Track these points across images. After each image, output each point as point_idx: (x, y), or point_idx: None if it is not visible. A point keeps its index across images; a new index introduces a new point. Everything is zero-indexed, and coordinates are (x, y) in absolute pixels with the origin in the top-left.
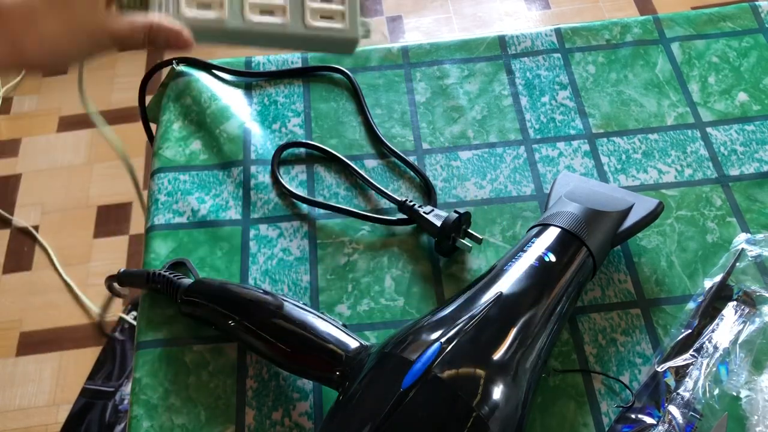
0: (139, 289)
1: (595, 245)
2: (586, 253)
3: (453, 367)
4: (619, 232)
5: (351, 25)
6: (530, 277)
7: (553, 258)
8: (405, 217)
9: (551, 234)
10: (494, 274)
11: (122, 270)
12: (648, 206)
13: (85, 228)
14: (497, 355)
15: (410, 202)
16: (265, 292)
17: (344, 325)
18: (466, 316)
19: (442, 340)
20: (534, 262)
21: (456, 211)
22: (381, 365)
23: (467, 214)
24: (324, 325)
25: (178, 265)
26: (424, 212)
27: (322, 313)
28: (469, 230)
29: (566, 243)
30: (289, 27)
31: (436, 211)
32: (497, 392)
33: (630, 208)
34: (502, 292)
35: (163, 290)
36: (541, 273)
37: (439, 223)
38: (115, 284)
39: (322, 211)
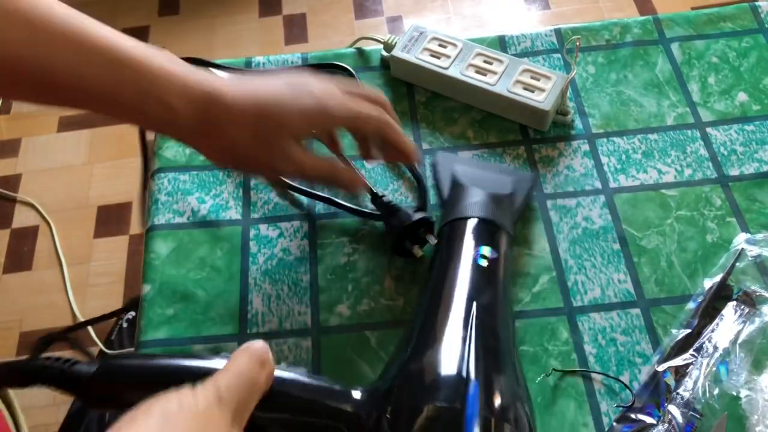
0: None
1: (509, 226)
2: (507, 236)
3: (491, 401)
4: (516, 209)
5: (546, 102)
6: (485, 278)
7: (493, 252)
8: (377, 212)
9: (473, 227)
10: (448, 283)
11: None
12: (528, 180)
13: (85, 228)
14: (504, 361)
15: (384, 197)
16: (214, 367)
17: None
18: (466, 338)
19: (472, 378)
20: (478, 261)
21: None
22: (429, 420)
23: (426, 221)
24: (313, 384)
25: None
26: (390, 207)
27: (296, 368)
28: (429, 236)
29: (490, 232)
30: (493, 88)
31: (415, 214)
32: (520, 409)
33: (516, 185)
34: (476, 302)
35: (55, 386)
36: (490, 270)
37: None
38: None
39: (322, 210)
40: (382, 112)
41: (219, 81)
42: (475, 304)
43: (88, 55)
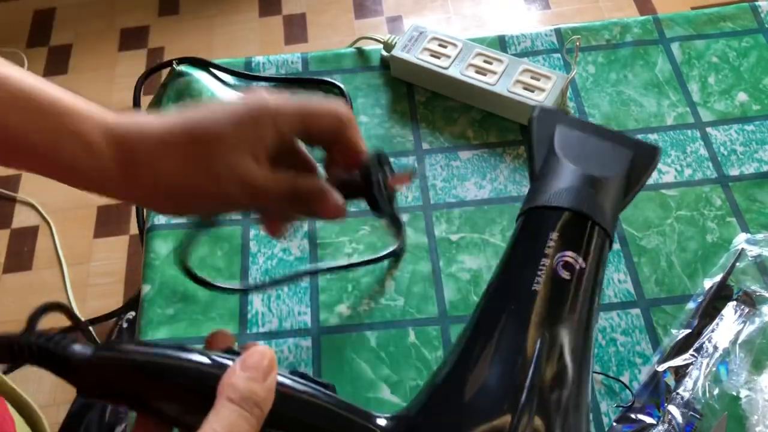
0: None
1: (609, 222)
2: (604, 236)
3: None
4: (626, 199)
5: (546, 101)
6: (565, 297)
7: (578, 259)
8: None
9: (563, 222)
10: (515, 291)
11: None
12: (647, 154)
13: (85, 228)
14: (571, 407)
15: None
16: (216, 361)
17: (331, 387)
18: (524, 379)
19: (522, 425)
20: (560, 271)
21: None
22: None
23: (384, 156)
24: (328, 407)
25: (52, 310)
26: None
27: (303, 375)
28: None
29: (583, 231)
30: (493, 88)
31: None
32: None
33: (633, 162)
34: (546, 334)
35: (45, 365)
36: (574, 285)
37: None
38: None
39: None
40: (341, 105)
41: (139, 116)
42: (543, 331)
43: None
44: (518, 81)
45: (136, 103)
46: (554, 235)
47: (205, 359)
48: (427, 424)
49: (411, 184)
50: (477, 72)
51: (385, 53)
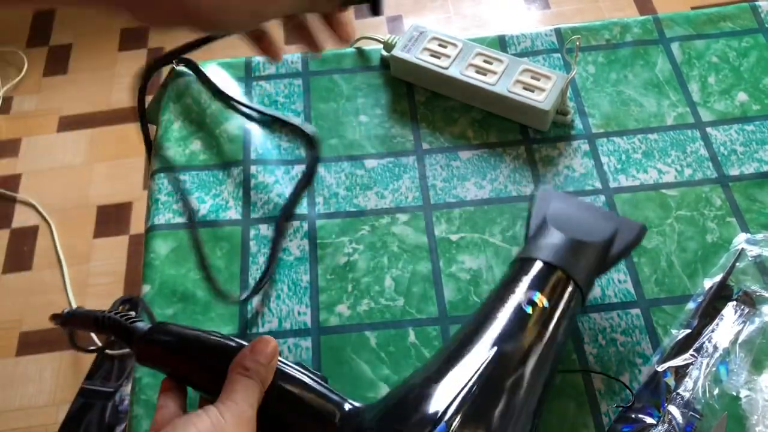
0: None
1: (583, 277)
2: (574, 288)
3: None
4: (606, 262)
5: (546, 101)
6: (523, 326)
7: (542, 299)
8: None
9: (536, 269)
10: (485, 321)
11: (68, 310)
12: (632, 230)
13: (85, 228)
14: (503, 420)
15: None
16: (230, 339)
17: (324, 378)
18: (465, 382)
19: (446, 418)
20: (524, 306)
21: None
22: None
23: None
24: (312, 386)
25: (131, 303)
26: None
27: (301, 365)
28: None
29: (553, 279)
30: (493, 87)
31: None
32: None
33: (614, 235)
34: (498, 350)
35: (116, 335)
36: (534, 318)
37: None
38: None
39: (322, 210)
40: None
41: None
42: (496, 350)
43: None
44: (518, 81)
45: (141, 104)
46: (527, 279)
47: (228, 342)
48: (378, 412)
49: None
50: (477, 72)
51: (385, 53)
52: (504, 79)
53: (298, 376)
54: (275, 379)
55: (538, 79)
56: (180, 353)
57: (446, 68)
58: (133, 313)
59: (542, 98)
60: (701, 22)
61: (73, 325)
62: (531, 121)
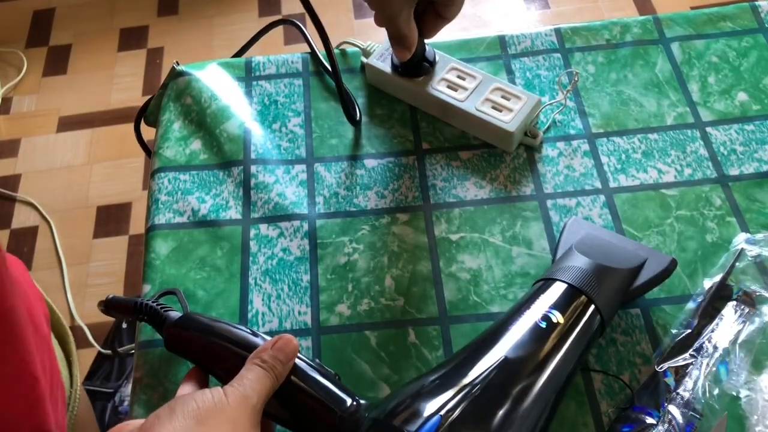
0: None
1: (604, 303)
2: (594, 312)
3: None
4: (631, 290)
5: (512, 123)
6: (535, 339)
7: (559, 317)
8: None
9: (557, 290)
10: (497, 332)
11: (111, 296)
12: (661, 263)
13: (85, 228)
14: (501, 424)
15: None
16: (255, 334)
17: (337, 375)
18: (468, 383)
19: (442, 412)
20: (539, 321)
21: None
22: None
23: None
24: (320, 379)
25: (170, 295)
26: None
27: (313, 360)
28: None
29: (573, 300)
30: (461, 104)
31: None
32: None
33: (642, 265)
34: (506, 357)
35: (150, 321)
36: (547, 333)
37: None
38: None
39: (322, 210)
40: None
41: None
42: (502, 357)
43: None
44: (488, 99)
45: (137, 128)
46: (545, 298)
47: (253, 336)
48: (376, 409)
49: None
50: (449, 87)
51: (364, 59)
52: (474, 97)
53: (308, 371)
54: (288, 374)
55: (509, 99)
56: (204, 342)
57: (418, 80)
58: (167, 306)
59: (509, 119)
60: (701, 22)
61: (114, 309)
62: (496, 141)
